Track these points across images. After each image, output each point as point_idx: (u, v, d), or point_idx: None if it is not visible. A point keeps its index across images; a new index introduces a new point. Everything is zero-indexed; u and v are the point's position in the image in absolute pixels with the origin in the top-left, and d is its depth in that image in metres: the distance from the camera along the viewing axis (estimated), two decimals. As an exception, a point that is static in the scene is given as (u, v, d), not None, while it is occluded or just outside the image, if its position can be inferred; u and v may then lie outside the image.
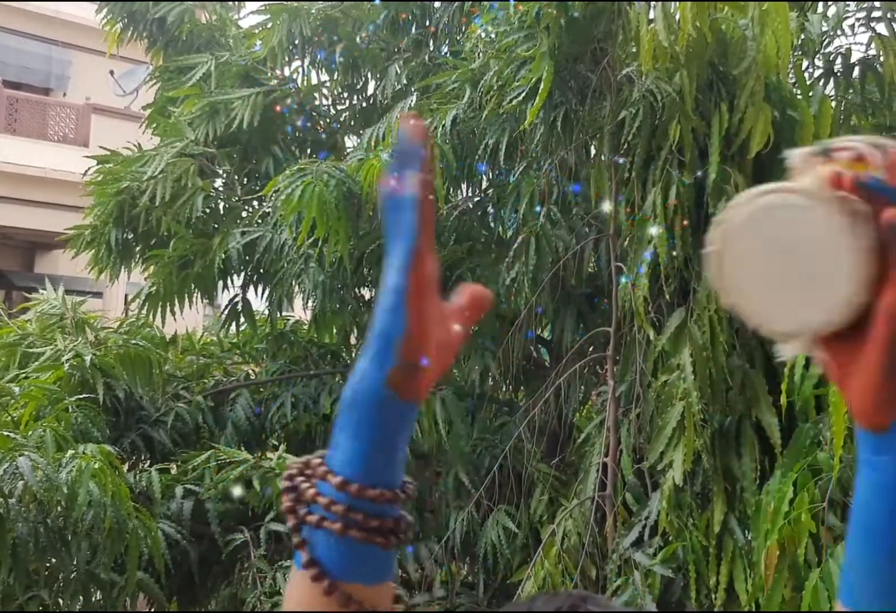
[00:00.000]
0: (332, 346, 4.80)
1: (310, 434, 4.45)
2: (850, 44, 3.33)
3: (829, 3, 3.34)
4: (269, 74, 4.61)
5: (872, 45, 3.21)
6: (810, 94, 2.93)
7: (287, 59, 4.66)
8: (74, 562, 3.00)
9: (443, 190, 3.65)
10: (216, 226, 4.56)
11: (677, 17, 2.78)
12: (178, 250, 4.34)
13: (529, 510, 3.51)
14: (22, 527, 2.82)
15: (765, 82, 2.78)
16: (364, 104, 4.82)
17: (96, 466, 2.95)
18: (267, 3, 4.70)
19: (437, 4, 4.52)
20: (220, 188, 4.83)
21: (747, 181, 2.82)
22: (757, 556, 2.46)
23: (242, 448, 4.19)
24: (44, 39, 13.81)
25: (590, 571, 3.05)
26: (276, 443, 4.43)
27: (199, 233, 4.45)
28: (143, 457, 4.20)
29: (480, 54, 3.70)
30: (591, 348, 3.86)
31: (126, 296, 10.81)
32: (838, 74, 3.28)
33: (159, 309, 4.44)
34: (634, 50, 3.12)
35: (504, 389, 4.32)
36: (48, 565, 3.06)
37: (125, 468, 3.71)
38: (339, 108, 4.95)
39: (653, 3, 2.87)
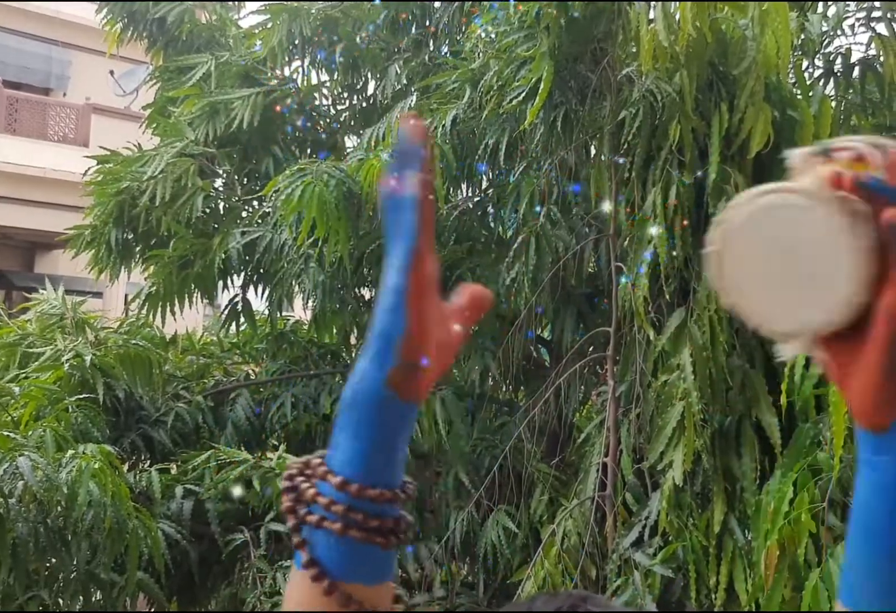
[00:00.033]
0: (332, 346, 4.80)
1: (310, 434, 4.45)
2: (850, 44, 3.33)
3: (829, 3, 3.34)
4: (269, 74, 4.61)
5: (872, 45, 3.21)
6: (810, 94, 2.93)
7: (287, 59, 4.66)
8: (74, 562, 3.00)
9: (443, 190, 3.65)
10: (216, 226, 4.56)
11: (677, 17, 2.78)
12: (178, 250, 4.34)
13: (529, 510, 3.51)
14: (22, 527, 2.82)
15: (765, 82, 2.78)
16: (364, 104, 4.82)
17: (96, 466, 2.95)
18: (267, 3, 4.70)
19: (436, 4, 4.52)
20: (220, 188, 4.83)
21: (747, 181, 2.82)
22: (757, 556, 2.46)
23: (242, 448, 4.19)
24: (44, 39, 13.81)
25: (590, 571, 3.05)
26: (276, 443, 4.43)
27: (199, 233, 4.45)
28: (143, 457, 4.20)
29: (480, 54, 3.70)
30: (591, 348, 3.86)
31: (126, 296, 10.81)
32: (838, 74, 3.28)
33: (159, 309, 4.44)
34: (634, 50, 3.12)
35: (504, 389, 4.32)
36: (48, 565, 3.06)
37: (125, 468, 3.72)
38: (339, 108, 4.95)
39: (653, 3, 2.87)
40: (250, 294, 4.62)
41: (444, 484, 3.84)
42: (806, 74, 3.30)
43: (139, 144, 4.71)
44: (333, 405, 4.29)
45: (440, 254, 4.02)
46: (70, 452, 3.02)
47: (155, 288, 4.45)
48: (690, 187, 2.90)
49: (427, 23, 4.54)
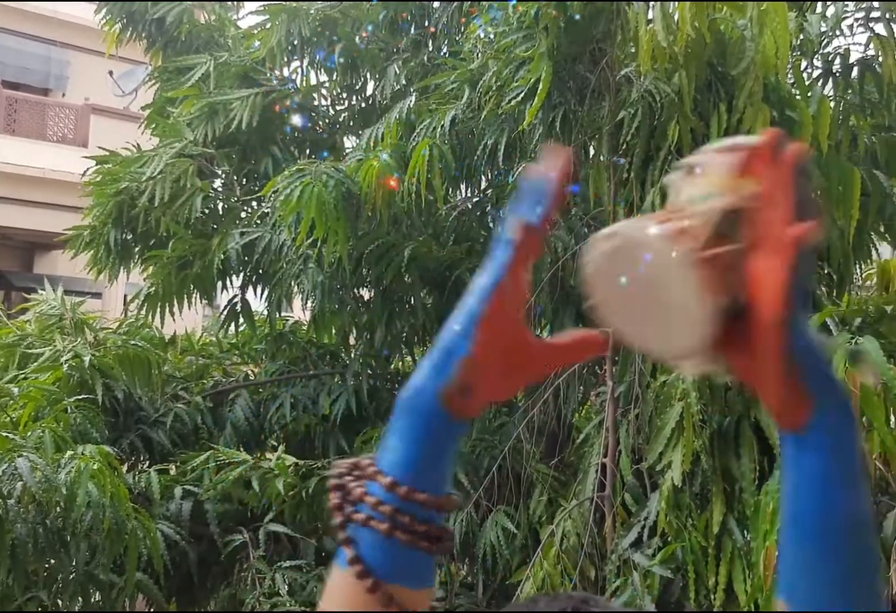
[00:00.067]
0: (331, 346, 4.80)
1: (309, 435, 4.45)
2: (849, 44, 3.33)
3: (828, 3, 3.34)
4: (268, 75, 4.60)
5: (871, 46, 3.21)
6: (809, 94, 2.93)
7: (286, 59, 4.66)
8: (73, 563, 3.00)
9: (442, 190, 3.65)
10: (215, 226, 4.56)
11: (676, 17, 2.78)
12: (177, 250, 4.34)
13: (528, 511, 3.51)
14: (21, 528, 2.82)
15: (763, 83, 2.78)
16: (363, 105, 4.82)
17: (95, 467, 2.95)
18: (266, 3, 4.70)
19: (435, 5, 4.52)
20: (219, 189, 4.83)
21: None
22: (756, 556, 2.46)
23: (241, 449, 4.19)
24: (43, 40, 13.81)
25: (589, 572, 3.05)
26: (275, 444, 4.42)
27: (198, 233, 4.45)
28: (142, 458, 4.20)
29: (479, 55, 3.70)
30: (590, 349, 3.85)
31: (125, 296, 10.81)
32: (837, 75, 3.28)
33: (158, 310, 4.44)
34: (633, 50, 3.11)
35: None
36: (47, 566, 3.06)
37: (124, 468, 3.71)
38: (337, 108, 4.95)
39: (651, 4, 2.87)
40: (249, 295, 4.62)
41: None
42: (805, 75, 3.29)
43: (138, 144, 4.71)
44: (332, 406, 4.29)
45: (439, 254, 4.02)
46: (69, 453, 3.02)
47: (154, 289, 4.44)
48: (689, 188, 2.89)
49: (426, 23, 4.54)
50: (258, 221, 4.42)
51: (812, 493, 0.59)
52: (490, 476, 3.56)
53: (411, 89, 4.18)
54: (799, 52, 3.26)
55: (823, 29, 3.29)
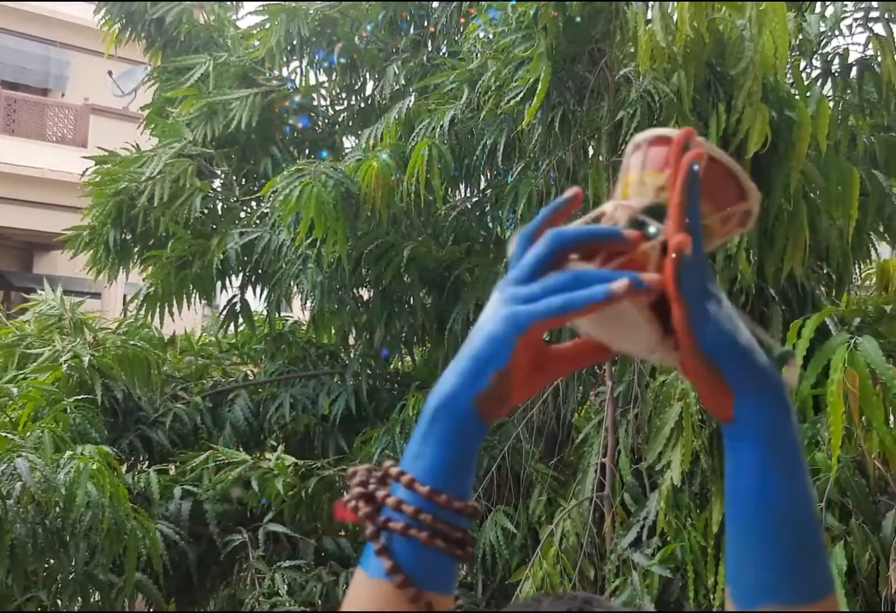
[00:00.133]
0: (330, 346, 4.80)
1: (308, 435, 4.45)
2: (848, 44, 3.33)
3: (827, 3, 3.34)
4: (268, 75, 4.60)
5: (870, 46, 3.21)
6: (808, 94, 2.93)
7: (285, 59, 4.66)
8: (73, 563, 3.00)
9: (441, 190, 3.65)
10: (214, 226, 4.56)
11: (675, 17, 2.78)
12: (177, 250, 4.34)
13: (528, 511, 3.51)
14: (20, 528, 2.82)
15: (762, 83, 2.77)
16: (362, 105, 4.82)
17: (94, 467, 2.95)
18: (265, 3, 4.70)
19: (435, 5, 4.52)
20: (219, 189, 4.83)
21: (745, 182, 2.81)
22: (755, 556, 2.45)
23: (241, 449, 4.19)
24: (42, 40, 13.81)
25: (588, 571, 3.05)
26: (274, 444, 4.42)
27: (197, 233, 4.45)
28: (141, 458, 4.20)
29: (478, 55, 3.70)
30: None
31: (124, 297, 10.81)
32: (836, 75, 3.28)
33: (157, 310, 4.44)
34: (632, 50, 3.11)
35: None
36: (46, 566, 3.06)
37: (123, 468, 3.71)
38: (337, 108, 4.95)
39: (650, 4, 2.87)
40: (249, 295, 4.62)
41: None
42: (804, 75, 3.29)
43: (137, 144, 4.71)
44: (332, 406, 4.29)
45: (439, 254, 4.02)
46: (68, 453, 3.02)
47: (153, 289, 4.45)
48: (688, 188, 2.89)
49: (425, 23, 4.54)
50: (257, 222, 4.42)
51: (748, 482, 0.60)
52: (489, 476, 3.56)
53: (410, 89, 4.18)
54: (798, 52, 3.26)
55: (822, 29, 3.29)
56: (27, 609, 2.98)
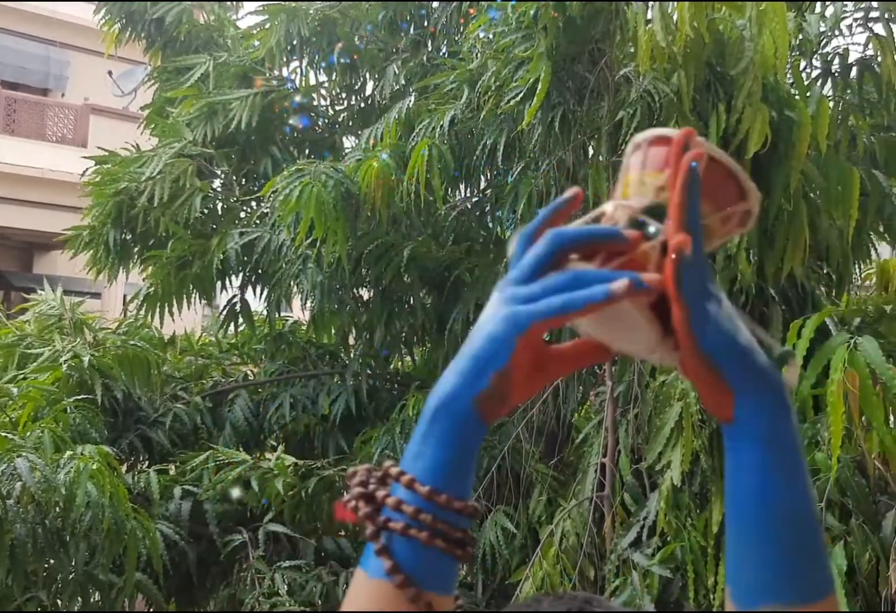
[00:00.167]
0: (330, 346, 4.80)
1: (308, 435, 4.45)
2: (848, 44, 3.33)
3: (827, 3, 3.34)
4: (268, 75, 4.60)
5: (870, 46, 3.21)
6: (808, 94, 2.93)
7: (285, 59, 4.66)
8: (73, 563, 3.00)
9: (441, 190, 3.65)
10: (214, 226, 4.56)
11: (675, 17, 2.78)
12: (177, 250, 4.34)
13: (528, 511, 3.51)
14: (20, 528, 2.82)
15: (762, 83, 2.77)
16: (362, 105, 4.82)
17: (94, 467, 2.95)
18: (265, 3, 4.70)
19: (435, 5, 4.52)
20: (219, 189, 4.83)
21: (745, 182, 2.81)
22: (755, 556, 2.45)
23: (241, 449, 4.19)
24: (42, 40, 13.82)
25: (588, 571, 3.05)
26: (274, 444, 4.42)
27: (197, 233, 4.45)
28: (141, 458, 4.20)
29: (478, 55, 3.70)
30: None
31: (124, 297, 10.81)
32: (836, 75, 3.28)
33: (157, 310, 4.44)
34: (632, 50, 3.11)
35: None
36: (46, 566, 3.06)
37: (123, 468, 3.71)
38: (337, 108, 4.95)
39: (650, 4, 2.87)
40: (249, 295, 4.62)
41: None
42: (804, 75, 3.29)
43: (137, 144, 4.71)
44: (332, 406, 4.29)
45: (438, 254, 4.02)
46: (68, 453, 3.02)
47: (153, 289, 4.45)
48: (688, 188, 2.88)
49: (425, 23, 4.54)
50: (257, 222, 4.43)
51: (748, 482, 0.61)
52: (489, 476, 3.56)
53: (410, 89, 4.19)
54: (798, 52, 3.26)
55: (822, 29, 3.29)
56: (27, 609, 2.98)
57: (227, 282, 4.56)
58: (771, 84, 2.84)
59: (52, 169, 12.03)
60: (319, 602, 3.43)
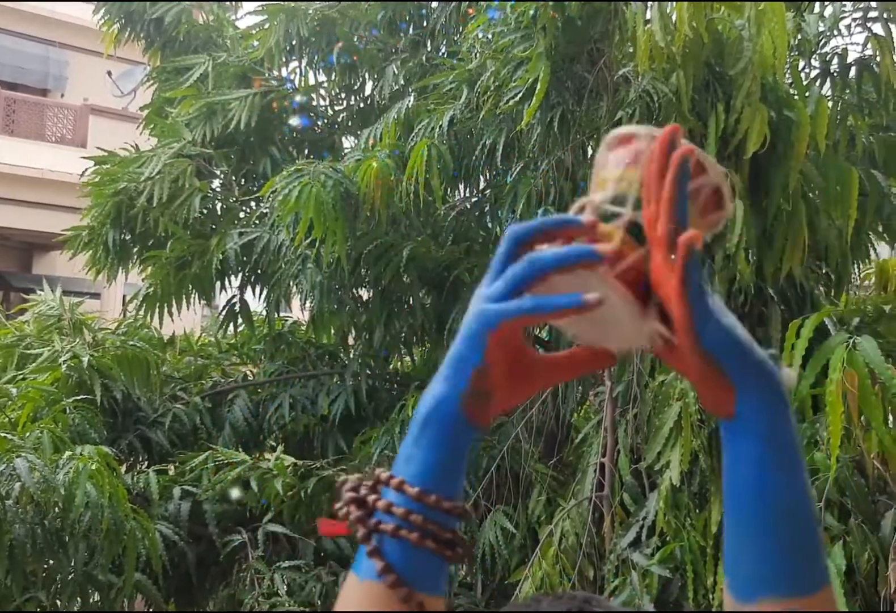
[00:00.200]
0: (329, 346, 4.80)
1: (307, 435, 4.45)
2: (847, 44, 3.33)
3: (826, 3, 3.34)
4: (267, 75, 4.60)
5: (869, 46, 3.21)
6: (807, 94, 2.93)
7: (284, 59, 4.66)
8: (72, 563, 3.00)
9: (440, 190, 3.65)
10: (213, 227, 4.56)
11: (674, 17, 2.78)
12: (176, 250, 4.34)
13: (527, 511, 3.51)
14: (19, 529, 2.82)
15: (761, 83, 2.78)
16: (361, 105, 4.82)
17: (94, 467, 2.95)
18: (264, 3, 4.70)
19: (434, 5, 4.53)
20: (218, 189, 4.83)
21: (744, 182, 2.82)
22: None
23: (240, 449, 4.19)
24: (41, 40, 13.81)
25: (587, 571, 3.05)
26: (273, 444, 4.42)
27: (196, 234, 4.45)
28: (140, 458, 4.19)
29: (477, 55, 3.70)
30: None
31: (124, 297, 10.81)
32: (835, 75, 3.28)
33: (157, 310, 4.44)
34: (631, 50, 3.12)
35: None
36: (45, 566, 3.06)
37: (123, 469, 3.71)
38: (336, 108, 4.95)
39: (649, 4, 2.87)
40: (248, 295, 4.62)
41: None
42: (802, 75, 3.30)
43: (137, 144, 4.71)
44: (331, 406, 4.29)
45: (438, 254, 4.02)
46: (67, 453, 3.02)
47: (152, 289, 4.45)
48: (687, 188, 2.89)
49: (425, 23, 4.54)
50: (257, 222, 4.43)
51: (746, 474, 0.61)
52: (489, 476, 3.56)
53: (410, 89, 4.19)
54: (797, 52, 3.26)
55: (821, 29, 3.29)
56: (26, 609, 2.98)
57: (227, 282, 4.56)
58: (770, 84, 2.85)
59: (52, 169, 12.02)
60: (319, 602, 3.43)
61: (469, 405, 0.60)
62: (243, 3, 5.68)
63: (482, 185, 4.33)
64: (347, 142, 4.91)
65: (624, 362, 3.21)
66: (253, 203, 4.65)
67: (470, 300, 0.63)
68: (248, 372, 4.86)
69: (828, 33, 3.32)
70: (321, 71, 4.75)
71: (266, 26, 4.62)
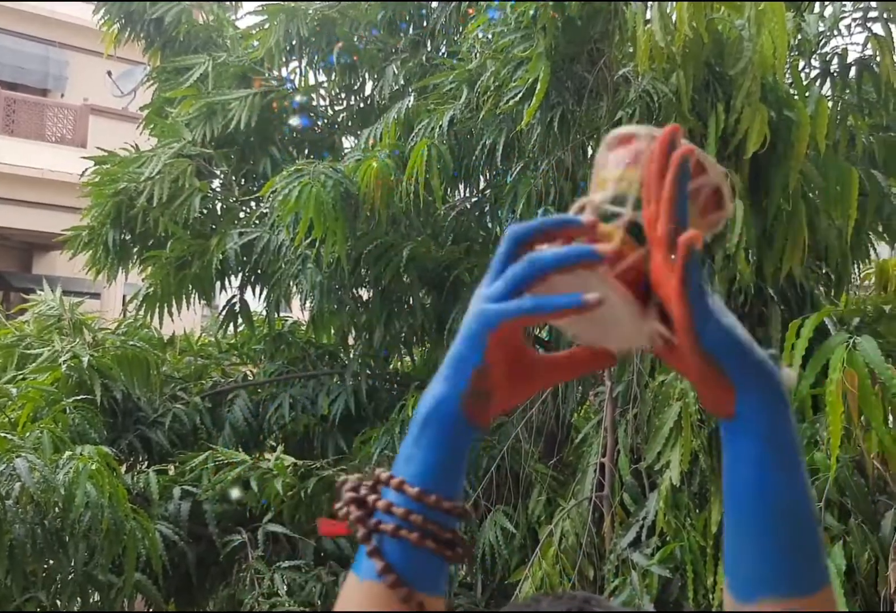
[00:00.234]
0: (329, 346, 4.80)
1: (307, 435, 4.45)
2: (847, 44, 3.33)
3: (826, 3, 3.34)
4: (267, 75, 4.61)
5: (869, 46, 3.21)
6: (807, 94, 2.93)
7: (284, 59, 4.66)
8: (72, 564, 3.00)
9: (440, 190, 3.65)
10: (213, 227, 4.56)
11: (674, 17, 2.78)
12: (176, 250, 4.34)
13: (527, 511, 3.51)
14: (19, 529, 2.82)
15: (761, 83, 2.78)
16: (361, 105, 4.82)
17: (94, 467, 2.95)
18: (264, 3, 4.70)
19: (434, 5, 4.53)
20: (218, 189, 4.83)
21: (744, 182, 2.82)
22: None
23: (240, 449, 4.19)
24: (41, 40, 13.81)
25: (587, 571, 3.05)
26: (273, 444, 4.42)
27: (196, 234, 4.45)
28: (140, 458, 4.19)
29: (477, 55, 3.70)
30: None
31: (124, 297, 10.81)
32: (835, 75, 3.28)
33: (157, 310, 4.44)
34: (631, 50, 3.12)
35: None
36: (45, 566, 3.06)
37: (123, 469, 3.71)
38: (336, 108, 4.95)
39: (649, 4, 2.87)
40: (248, 295, 4.62)
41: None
42: (802, 75, 3.30)
43: (137, 144, 4.71)
44: (331, 406, 4.29)
45: (438, 254, 4.02)
46: (67, 453, 3.02)
47: (152, 289, 4.45)
48: (687, 188, 2.89)
49: (425, 23, 4.54)
50: (257, 222, 4.43)
51: (746, 474, 0.62)
52: (489, 476, 3.56)
53: (410, 89, 4.19)
54: (797, 52, 3.26)
55: (821, 29, 3.29)
56: (26, 609, 2.98)
57: (227, 282, 4.56)
58: (770, 84, 2.85)
59: (52, 169, 12.02)
60: (319, 602, 3.43)
61: (469, 405, 0.61)
62: (243, 3, 5.69)
63: (482, 185, 4.33)
64: (347, 142, 4.91)
65: (624, 362, 3.21)
66: (253, 203, 4.65)
67: (470, 300, 0.62)
68: (248, 372, 4.87)
69: (828, 33, 3.32)
70: (321, 71, 4.75)
71: (266, 26, 4.62)
